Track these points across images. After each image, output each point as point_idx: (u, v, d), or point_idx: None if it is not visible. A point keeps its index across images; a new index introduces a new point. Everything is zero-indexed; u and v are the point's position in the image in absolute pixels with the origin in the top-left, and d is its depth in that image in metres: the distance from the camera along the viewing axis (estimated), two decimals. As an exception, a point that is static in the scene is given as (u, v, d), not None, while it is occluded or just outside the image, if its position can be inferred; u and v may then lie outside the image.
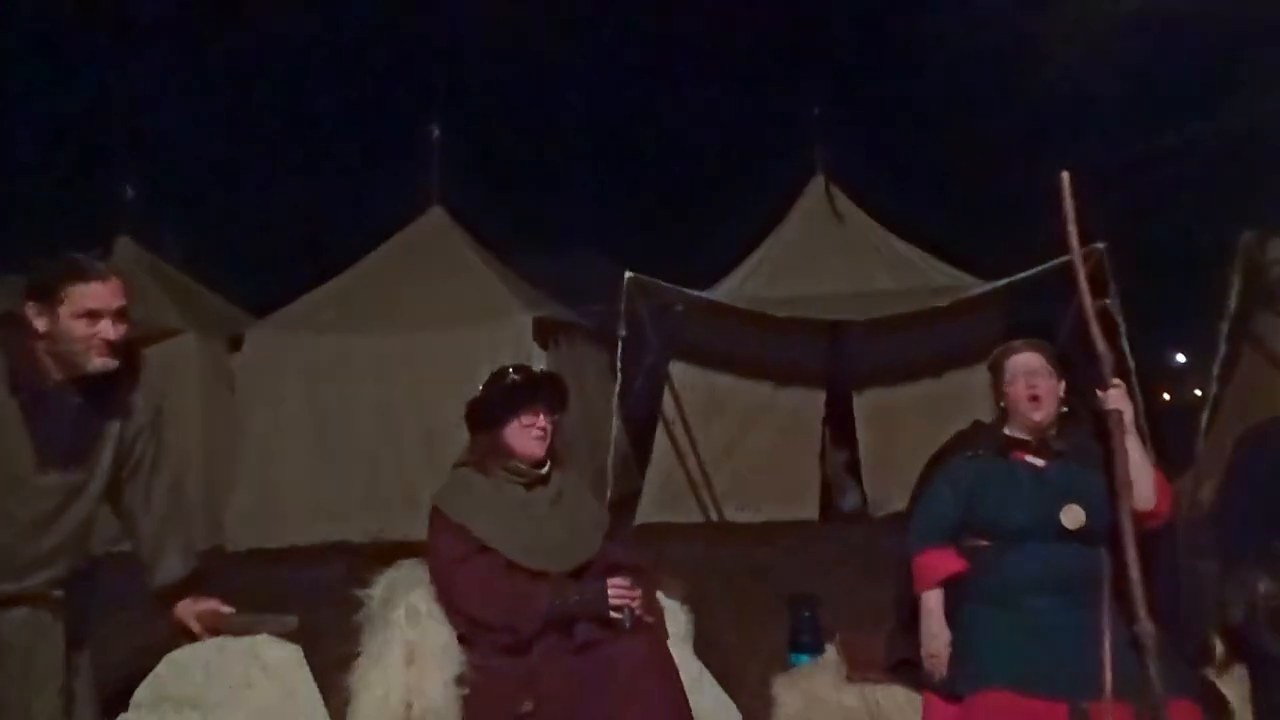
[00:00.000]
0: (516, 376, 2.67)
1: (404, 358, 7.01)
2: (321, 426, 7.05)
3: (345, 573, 3.47)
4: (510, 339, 6.82)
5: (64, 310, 2.21)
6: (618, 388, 6.34)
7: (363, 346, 7.11)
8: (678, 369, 7.52)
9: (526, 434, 2.62)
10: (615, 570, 2.54)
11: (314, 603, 3.04)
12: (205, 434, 7.01)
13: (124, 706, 2.26)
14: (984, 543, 2.48)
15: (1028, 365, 2.55)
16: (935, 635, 2.41)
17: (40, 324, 2.22)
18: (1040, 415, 2.50)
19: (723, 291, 7.48)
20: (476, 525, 2.52)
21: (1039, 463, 2.51)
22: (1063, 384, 2.55)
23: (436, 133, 8.21)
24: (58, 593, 2.33)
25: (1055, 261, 5.94)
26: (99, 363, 2.25)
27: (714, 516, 7.42)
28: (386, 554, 2.79)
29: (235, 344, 7.25)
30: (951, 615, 2.44)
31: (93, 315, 2.22)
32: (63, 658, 2.33)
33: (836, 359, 7.73)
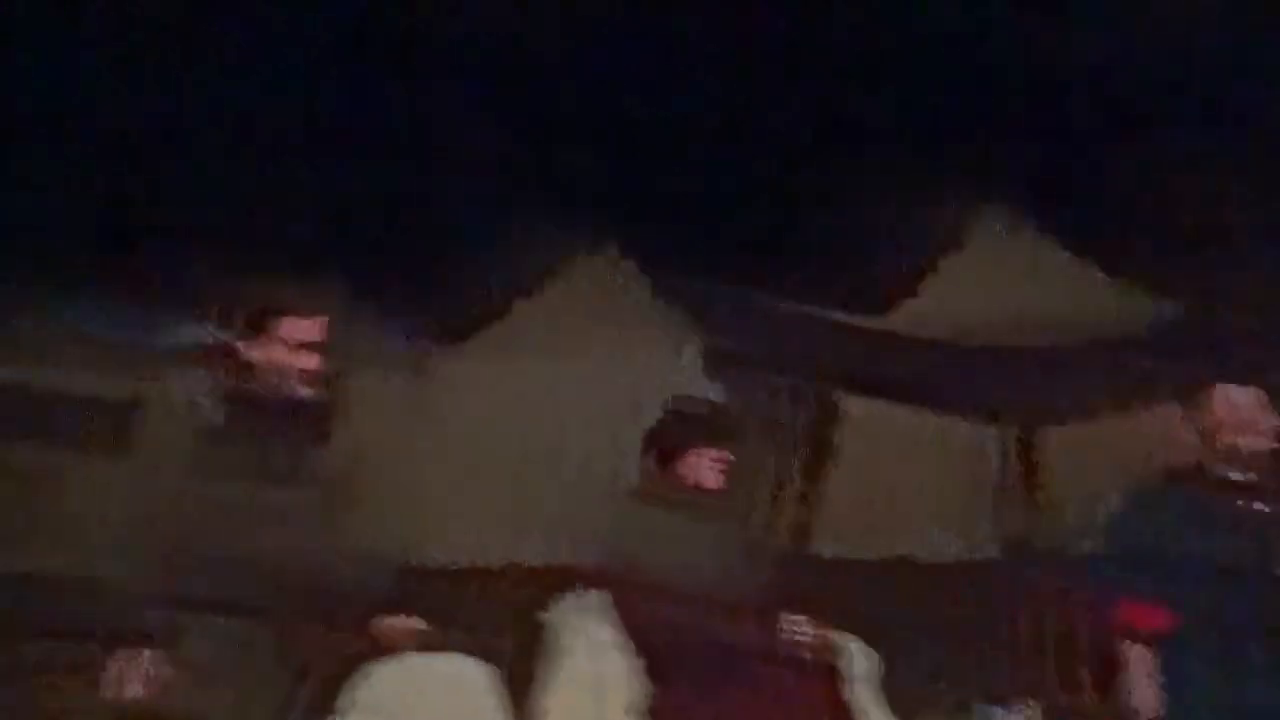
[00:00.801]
0: (691, 407, 2.70)
1: (574, 383, 7.20)
2: (497, 449, 7.31)
3: (523, 595, 3.58)
4: (682, 368, 6.90)
5: (274, 340, 2.40)
6: (786, 418, 6.30)
7: (535, 372, 7.35)
8: (848, 399, 7.40)
9: (703, 465, 2.63)
10: (788, 605, 2.52)
11: (494, 624, 3.15)
12: (393, 456, 7.40)
13: (331, 712, 2.42)
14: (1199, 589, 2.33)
15: (1244, 400, 2.39)
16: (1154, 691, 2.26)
17: (253, 352, 2.42)
18: (1255, 451, 2.34)
19: (901, 319, 7.32)
20: (652, 556, 2.56)
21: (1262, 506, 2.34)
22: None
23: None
24: (265, 603, 2.49)
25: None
26: (302, 391, 2.42)
27: (889, 553, 7.23)
28: (560, 577, 2.85)
29: (420, 370, 7.66)
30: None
31: (299, 346, 2.40)
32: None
33: (1016, 390, 7.41)
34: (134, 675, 2.26)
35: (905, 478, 7.23)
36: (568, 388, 7.20)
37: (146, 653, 2.29)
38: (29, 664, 5.47)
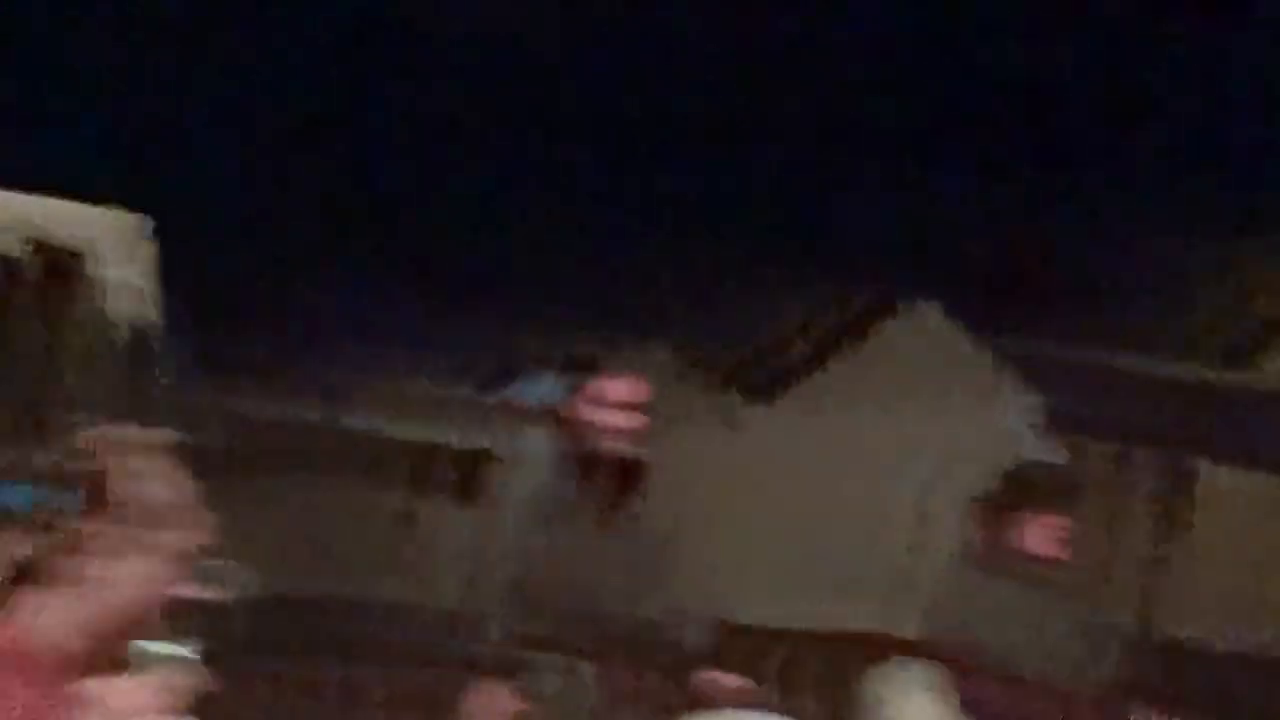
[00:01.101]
0: (1029, 470, 2.55)
1: (895, 440, 7.01)
2: (808, 508, 7.25)
3: (841, 660, 3.50)
4: (1006, 423, 6.51)
5: (599, 401, 2.58)
6: (1132, 484, 5.74)
7: (849, 427, 7.24)
8: (1205, 465, 6.61)
9: (1041, 532, 2.47)
10: (1135, 696, 2.28)
11: (811, 687, 3.10)
12: (705, 510, 7.58)
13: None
14: None
15: None
16: None
17: (581, 411, 2.61)
18: None
19: (1270, 375, 6.48)
20: (982, 627, 2.42)
21: None
22: None
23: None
24: (601, 646, 2.66)
25: None
26: (621, 448, 2.60)
27: (1252, 642, 6.33)
28: (880, 645, 2.76)
29: (729, 423, 7.82)
30: None
31: (620, 406, 2.57)
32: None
33: None
34: (494, 708, 2.45)
35: (1272, 555, 6.37)
36: (888, 446, 7.02)
37: (504, 687, 2.48)
38: (378, 692, 6.07)
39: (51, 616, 1.19)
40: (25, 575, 1.23)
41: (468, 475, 8.96)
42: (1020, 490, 2.52)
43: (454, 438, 9.13)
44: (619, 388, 2.61)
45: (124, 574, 1.19)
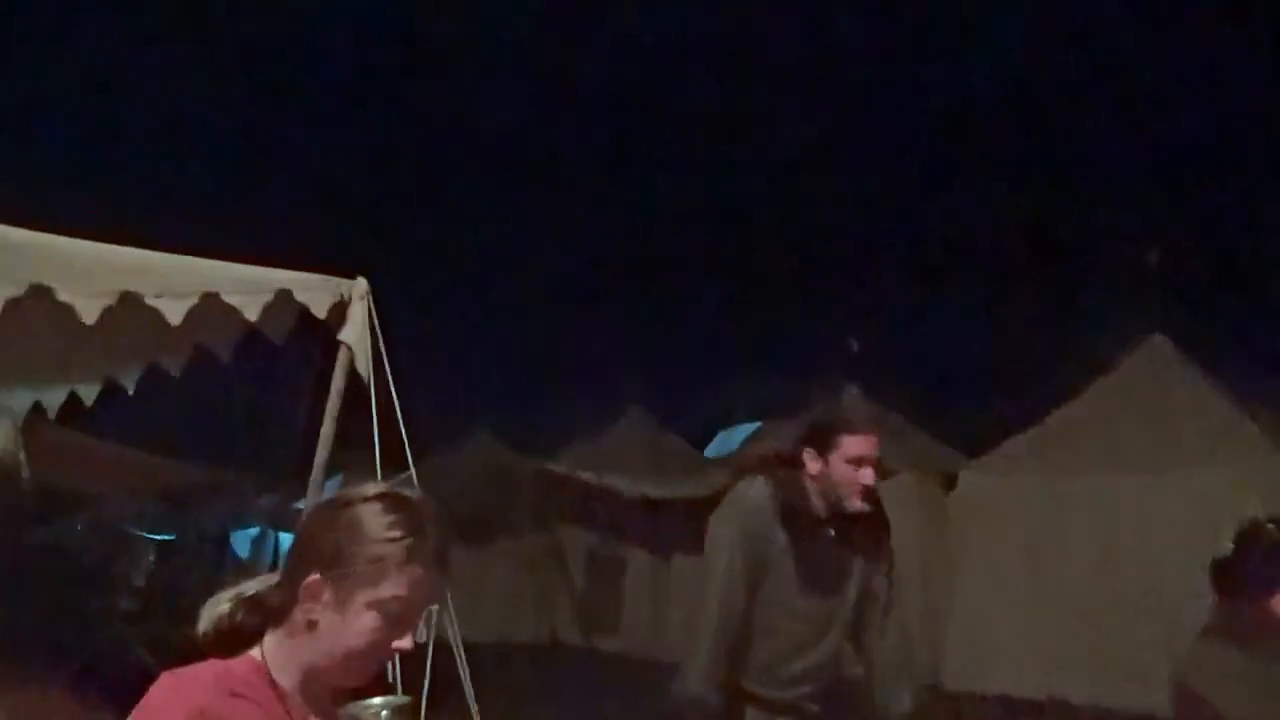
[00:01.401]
0: (1273, 532, 2.26)
1: (1129, 502, 6.44)
2: (1037, 571, 6.78)
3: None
4: (1260, 484, 5.82)
5: (835, 456, 2.52)
6: None
7: (1081, 489, 6.72)
8: None
9: None
10: None
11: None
12: (922, 572, 7.27)
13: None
14: None
15: None
16: None
17: (814, 466, 2.55)
18: None
19: None
20: (1232, 708, 2.15)
21: None
22: None
23: (1156, 256, 7.63)
24: (814, 707, 2.60)
25: None
26: (857, 505, 2.52)
27: None
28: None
29: (949, 483, 7.45)
30: None
31: (858, 462, 2.50)
32: None
33: None
34: None
35: None
36: (1120, 505, 6.46)
37: None
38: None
39: (284, 655, 1.29)
40: (262, 614, 1.34)
41: (686, 525, 9.06)
42: (1268, 555, 2.24)
43: (672, 488, 9.24)
44: (861, 444, 2.53)
45: (352, 623, 1.27)
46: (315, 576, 1.29)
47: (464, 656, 3.43)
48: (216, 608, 1.34)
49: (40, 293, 2.66)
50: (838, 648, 2.61)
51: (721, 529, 2.59)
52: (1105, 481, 6.63)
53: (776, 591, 2.55)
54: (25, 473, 4.15)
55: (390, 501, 1.32)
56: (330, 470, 3.33)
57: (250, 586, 1.36)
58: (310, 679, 1.31)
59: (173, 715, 1.20)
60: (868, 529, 2.59)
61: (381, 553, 1.27)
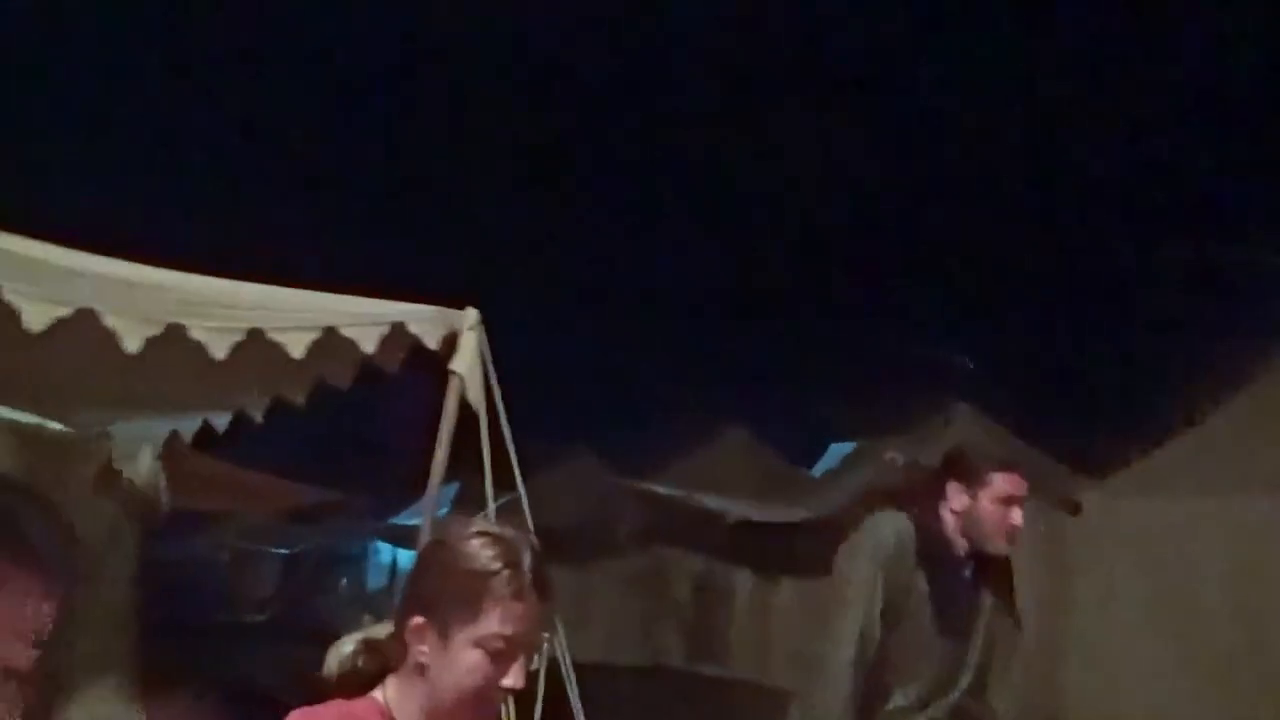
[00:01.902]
0: None
1: (1268, 527, 6.06)
2: (1165, 601, 6.44)
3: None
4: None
5: (984, 493, 2.43)
6: None
7: (1213, 513, 6.36)
8: None
9: None
10: None
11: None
12: (1037, 600, 6.98)
13: None
14: None
15: None
16: None
17: (958, 502, 2.47)
18: None
19: None
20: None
21: None
22: None
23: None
24: None
25: None
26: (1001, 547, 2.44)
27: None
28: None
29: (1071, 508, 7.15)
30: None
31: (1008, 501, 2.42)
32: None
33: None
34: None
35: None
36: (1260, 529, 6.08)
37: None
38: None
39: (403, 698, 1.34)
40: (382, 658, 1.40)
41: (791, 549, 8.95)
42: None
43: (776, 512, 9.15)
44: (1012, 483, 2.43)
45: (457, 663, 1.31)
46: (419, 619, 1.33)
47: (574, 679, 3.47)
48: (341, 650, 1.40)
49: (176, 331, 2.83)
50: (970, 690, 2.53)
51: (859, 566, 2.48)
52: (1243, 503, 6.26)
53: (913, 633, 2.47)
54: (164, 496, 4.40)
55: (483, 539, 1.35)
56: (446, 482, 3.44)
57: (374, 630, 1.41)
58: None
59: None
60: (997, 566, 2.51)
61: (477, 590, 1.30)
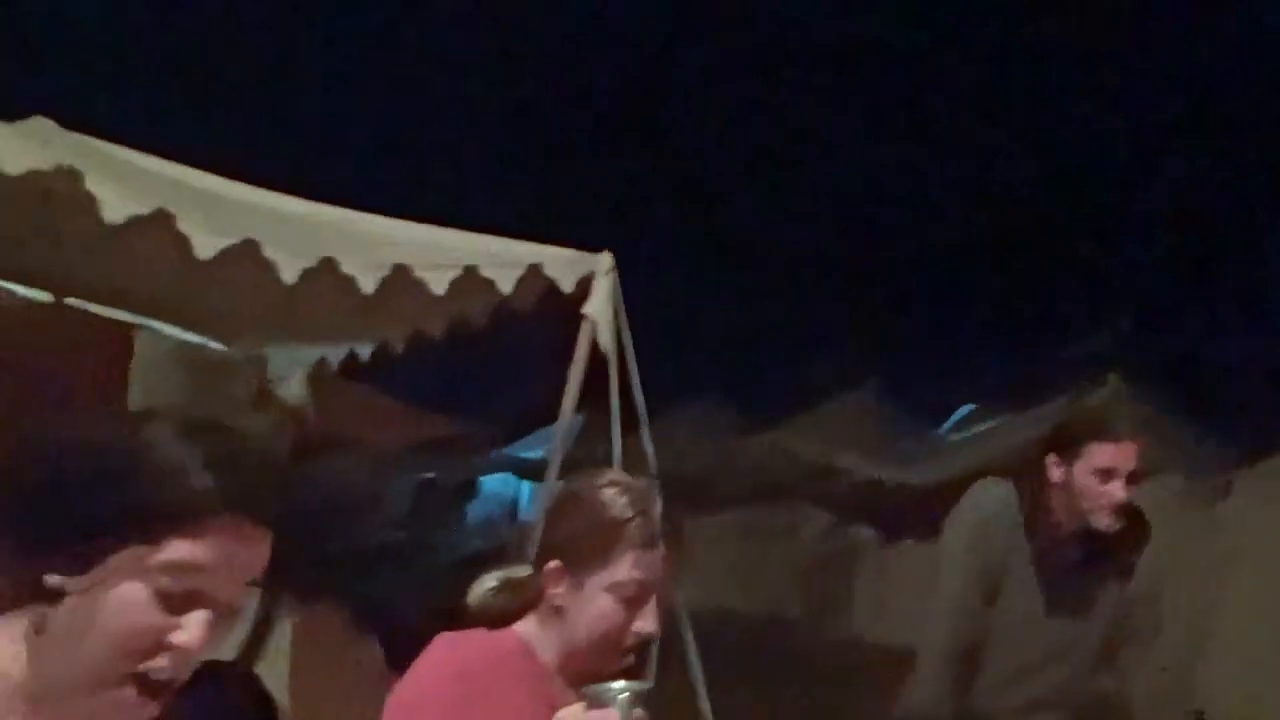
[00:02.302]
0: None
1: None
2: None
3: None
4: None
5: (1080, 466, 2.32)
6: None
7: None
8: None
9: None
10: None
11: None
12: (1175, 590, 6.63)
13: None
14: None
15: None
16: None
17: (1056, 474, 2.37)
18: None
19: None
20: None
21: None
22: None
23: None
24: None
25: None
26: (1105, 522, 2.33)
27: None
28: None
29: (1223, 490, 6.74)
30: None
31: (1107, 474, 2.30)
32: None
33: None
34: None
35: None
36: None
37: None
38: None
39: (542, 636, 1.39)
40: (522, 598, 1.46)
41: (918, 512, 8.77)
42: None
43: (905, 473, 8.97)
44: (1113, 454, 2.32)
45: (591, 607, 1.35)
46: (555, 564, 1.39)
47: (689, 626, 3.52)
48: (483, 585, 1.47)
49: (328, 264, 2.97)
50: (1083, 674, 2.44)
51: (957, 535, 2.45)
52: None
53: (1015, 608, 2.41)
54: (312, 418, 4.67)
55: (615, 488, 1.39)
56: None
57: (515, 570, 1.48)
58: (567, 662, 1.41)
59: (444, 669, 1.34)
60: (1126, 544, 2.38)
61: (610, 537, 1.34)
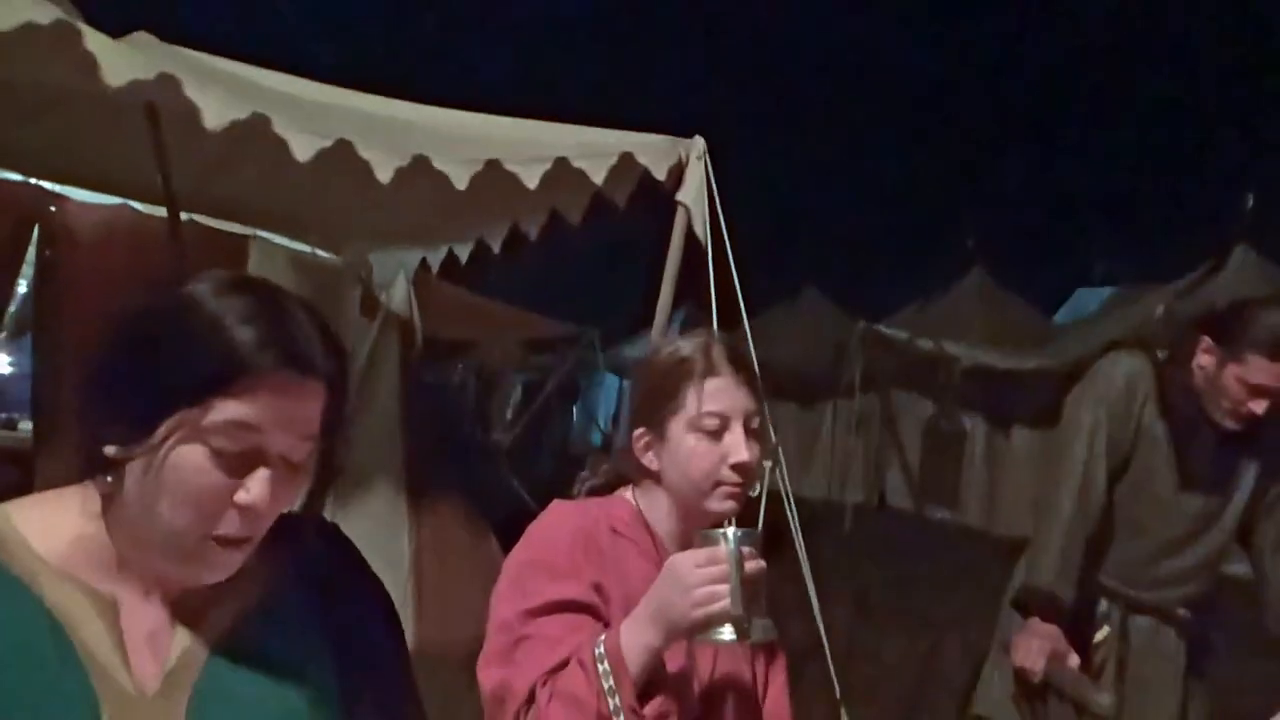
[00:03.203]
0: None
1: None
2: None
3: None
4: None
5: (1234, 368, 2.18)
6: None
7: None
8: None
9: None
10: None
11: None
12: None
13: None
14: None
15: None
16: None
17: (1206, 359, 2.23)
18: None
19: None
20: None
21: None
22: None
23: None
24: (1183, 612, 2.39)
25: None
26: (1229, 425, 2.22)
27: None
28: None
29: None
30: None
31: (1256, 391, 2.17)
32: (1181, 679, 2.38)
33: None
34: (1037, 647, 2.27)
35: None
36: None
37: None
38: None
39: (651, 503, 1.43)
40: (621, 480, 1.49)
41: (1030, 398, 8.54)
42: None
43: (1016, 359, 8.70)
44: (1271, 373, 2.15)
45: (680, 451, 1.37)
46: (640, 430, 1.41)
47: (795, 512, 3.53)
48: (586, 476, 1.52)
49: (421, 162, 2.97)
50: (1217, 554, 2.34)
51: (1083, 408, 2.32)
52: None
53: (1146, 484, 2.30)
54: (417, 320, 4.77)
55: (674, 344, 1.42)
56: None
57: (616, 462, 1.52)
58: (675, 523, 1.43)
59: (560, 531, 1.37)
60: (1265, 425, 2.24)
61: (675, 381, 1.37)
